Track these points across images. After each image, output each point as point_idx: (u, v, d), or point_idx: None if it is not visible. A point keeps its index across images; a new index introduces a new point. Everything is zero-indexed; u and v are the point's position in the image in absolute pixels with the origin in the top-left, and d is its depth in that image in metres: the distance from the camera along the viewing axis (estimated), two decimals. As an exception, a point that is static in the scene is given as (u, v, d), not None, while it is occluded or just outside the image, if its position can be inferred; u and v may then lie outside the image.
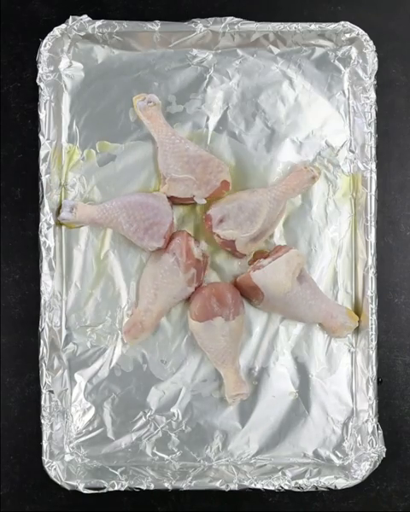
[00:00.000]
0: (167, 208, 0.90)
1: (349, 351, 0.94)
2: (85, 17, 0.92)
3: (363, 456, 0.91)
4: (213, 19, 0.92)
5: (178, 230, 0.91)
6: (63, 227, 0.93)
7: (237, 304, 0.90)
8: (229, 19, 0.92)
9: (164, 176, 0.91)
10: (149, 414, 0.93)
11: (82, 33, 0.92)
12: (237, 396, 0.91)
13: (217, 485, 0.89)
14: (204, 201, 0.91)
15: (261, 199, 0.90)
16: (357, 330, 0.93)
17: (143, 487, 0.89)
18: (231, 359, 0.90)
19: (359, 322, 0.92)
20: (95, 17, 0.92)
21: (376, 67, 0.92)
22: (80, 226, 0.93)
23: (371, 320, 0.91)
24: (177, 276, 0.89)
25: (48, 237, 0.91)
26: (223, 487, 0.89)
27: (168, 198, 0.91)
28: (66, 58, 0.93)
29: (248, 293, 0.91)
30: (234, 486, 0.89)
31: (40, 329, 0.90)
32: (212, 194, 0.90)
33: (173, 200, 0.91)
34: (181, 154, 0.90)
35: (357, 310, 0.94)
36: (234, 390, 0.90)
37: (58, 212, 0.91)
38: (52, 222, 0.91)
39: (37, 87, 0.91)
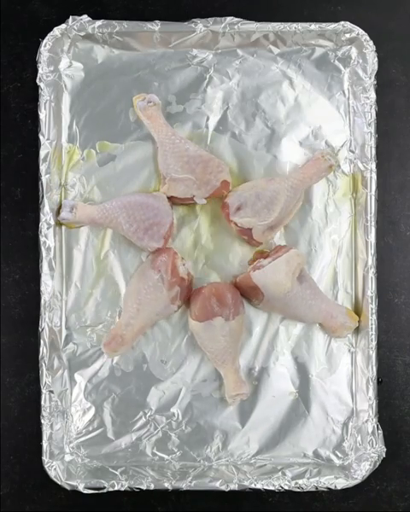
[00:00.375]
0: (167, 208, 0.90)
1: (349, 351, 0.94)
2: (85, 17, 0.92)
3: (363, 456, 0.91)
4: (213, 19, 0.92)
5: (166, 248, 0.90)
6: (63, 227, 0.93)
7: (237, 304, 0.90)
8: (229, 19, 0.92)
9: (164, 176, 0.91)
10: (149, 414, 0.93)
11: (82, 33, 0.92)
12: (237, 396, 0.91)
13: (217, 485, 0.89)
14: (204, 201, 0.91)
15: (279, 187, 0.90)
16: (357, 330, 0.93)
17: (143, 487, 0.89)
18: (231, 359, 0.90)
19: (359, 322, 0.92)
20: (95, 17, 0.92)
21: (376, 67, 0.92)
22: (80, 226, 0.93)
23: (371, 320, 0.91)
24: (160, 293, 0.89)
25: (48, 237, 0.91)
26: (223, 487, 0.89)
27: (168, 198, 0.91)
28: (66, 58, 0.93)
29: (248, 293, 0.91)
30: (234, 486, 0.89)
31: (40, 329, 0.90)
32: (212, 194, 0.90)
33: (173, 200, 0.91)
34: (181, 154, 0.90)
35: (357, 310, 0.94)
36: (234, 390, 0.90)
37: (58, 212, 0.91)
38: (52, 222, 0.91)
39: (37, 87, 0.91)
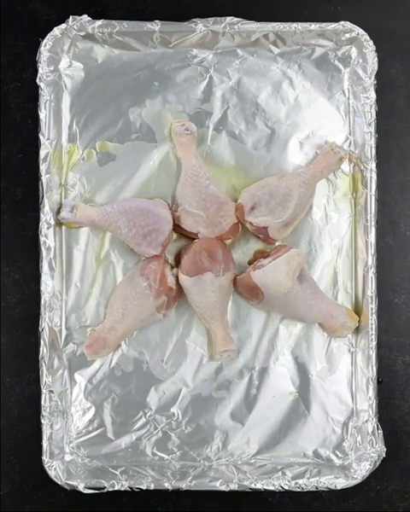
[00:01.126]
0: (168, 216, 0.89)
1: (349, 350, 0.94)
2: (85, 17, 0.92)
3: (363, 456, 0.91)
4: (213, 19, 0.92)
5: (156, 255, 0.90)
6: (63, 227, 0.93)
7: (227, 260, 0.90)
8: (229, 19, 0.92)
9: (177, 204, 0.91)
10: (149, 414, 0.92)
11: (82, 33, 0.92)
12: (225, 352, 0.90)
13: (217, 485, 0.89)
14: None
15: (291, 183, 0.90)
16: (357, 330, 0.93)
17: (143, 487, 0.89)
18: (220, 315, 0.90)
19: (359, 321, 0.92)
20: (95, 17, 0.92)
21: (376, 67, 0.92)
22: (80, 227, 0.92)
23: (372, 320, 0.91)
24: (147, 301, 0.89)
25: (48, 237, 0.91)
26: (223, 487, 0.89)
27: (173, 225, 0.90)
28: (66, 58, 0.93)
29: (248, 292, 0.91)
30: (234, 486, 0.89)
31: (40, 329, 0.90)
32: (218, 237, 0.90)
33: (176, 229, 0.91)
34: (200, 189, 0.89)
35: (357, 310, 0.94)
36: (222, 346, 0.90)
37: (58, 212, 0.91)
38: (52, 222, 0.91)
39: (37, 87, 0.91)
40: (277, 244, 0.93)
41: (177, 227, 0.91)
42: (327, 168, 0.91)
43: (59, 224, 0.92)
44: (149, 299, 0.89)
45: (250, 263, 0.93)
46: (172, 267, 0.91)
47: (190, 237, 0.92)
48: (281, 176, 0.91)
